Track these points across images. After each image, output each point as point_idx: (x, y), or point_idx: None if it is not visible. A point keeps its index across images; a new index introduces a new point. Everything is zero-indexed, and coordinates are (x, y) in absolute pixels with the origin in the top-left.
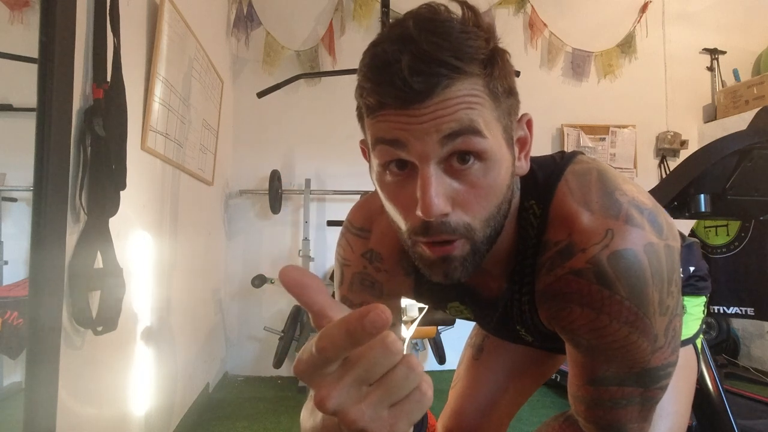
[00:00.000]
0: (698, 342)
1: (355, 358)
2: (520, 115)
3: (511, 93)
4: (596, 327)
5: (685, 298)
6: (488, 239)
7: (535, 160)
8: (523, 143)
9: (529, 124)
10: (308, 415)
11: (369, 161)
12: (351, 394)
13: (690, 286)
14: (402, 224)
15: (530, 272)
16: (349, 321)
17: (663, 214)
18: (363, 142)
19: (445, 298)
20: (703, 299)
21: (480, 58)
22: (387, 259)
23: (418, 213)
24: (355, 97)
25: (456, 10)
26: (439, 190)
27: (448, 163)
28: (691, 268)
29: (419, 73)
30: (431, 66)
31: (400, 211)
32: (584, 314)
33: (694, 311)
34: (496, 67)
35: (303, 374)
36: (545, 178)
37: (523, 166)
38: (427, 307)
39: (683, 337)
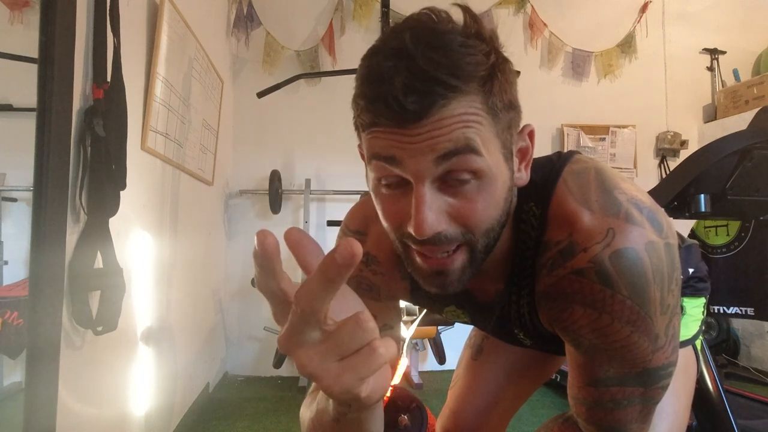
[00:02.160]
0: (698, 343)
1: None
2: (521, 126)
3: (511, 107)
4: (598, 327)
5: (685, 300)
6: (486, 248)
7: (532, 162)
8: (524, 154)
9: (531, 135)
10: (305, 408)
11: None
12: (306, 342)
13: (689, 288)
14: (393, 234)
15: (530, 274)
16: (323, 262)
17: (661, 213)
18: (360, 147)
19: (442, 303)
20: (702, 300)
21: (479, 75)
22: (384, 262)
23: (410, 230)
24: (352, 107)
25: (457, 14)
26: (432, 207)
27: (443, 180)
28: (691, 270)
29: (414, 92)
30: (427, 84)
31: (393, 223)
32: (586, 314)
33: (693, 312)
34: (495, 83)
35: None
36: (543, 179)
37: (523, 177)
38: None
39: (683, 338)
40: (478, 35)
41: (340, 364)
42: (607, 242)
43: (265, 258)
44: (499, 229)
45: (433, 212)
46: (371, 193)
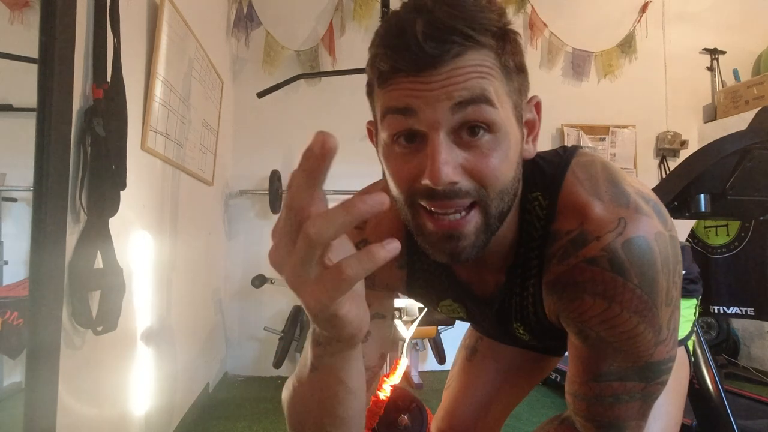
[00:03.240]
0: (690, 344)
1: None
2: (529, 96)
3: (522, 70)
4: (607, 317)
5: None
6: (501, 215)
7: (538, 154)
8: (532, 126)
9: (537, 106)
10: (285, 390)
11: (375, 142)
12: (289, 254)
13: (681, 289)
14: (403, 195)
15: (536, 264)
16: (302, 158)
17: (664, 206)
18: (370, 123)
19: (438, 295)
20: (694, 302)
21: (492, 30)
22: None
23: (425, 182)
24: (366, 69)
25: None
26: (449, 158)
27: (458, 134)
28: (683, 272)
29: (433, 38)
30: (445, 33)
31: (405, 181)
32: (596, 304)
33: (685, 313)
34: (508, 42)
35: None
36: (551, 169)
37: (531, 149)
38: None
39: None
40: (489, 2)
41: (315, 280)
42: (620, 231)
43: (319, 158)
44: (513, 196)
45: (450, 161)
46: (382, 160)
